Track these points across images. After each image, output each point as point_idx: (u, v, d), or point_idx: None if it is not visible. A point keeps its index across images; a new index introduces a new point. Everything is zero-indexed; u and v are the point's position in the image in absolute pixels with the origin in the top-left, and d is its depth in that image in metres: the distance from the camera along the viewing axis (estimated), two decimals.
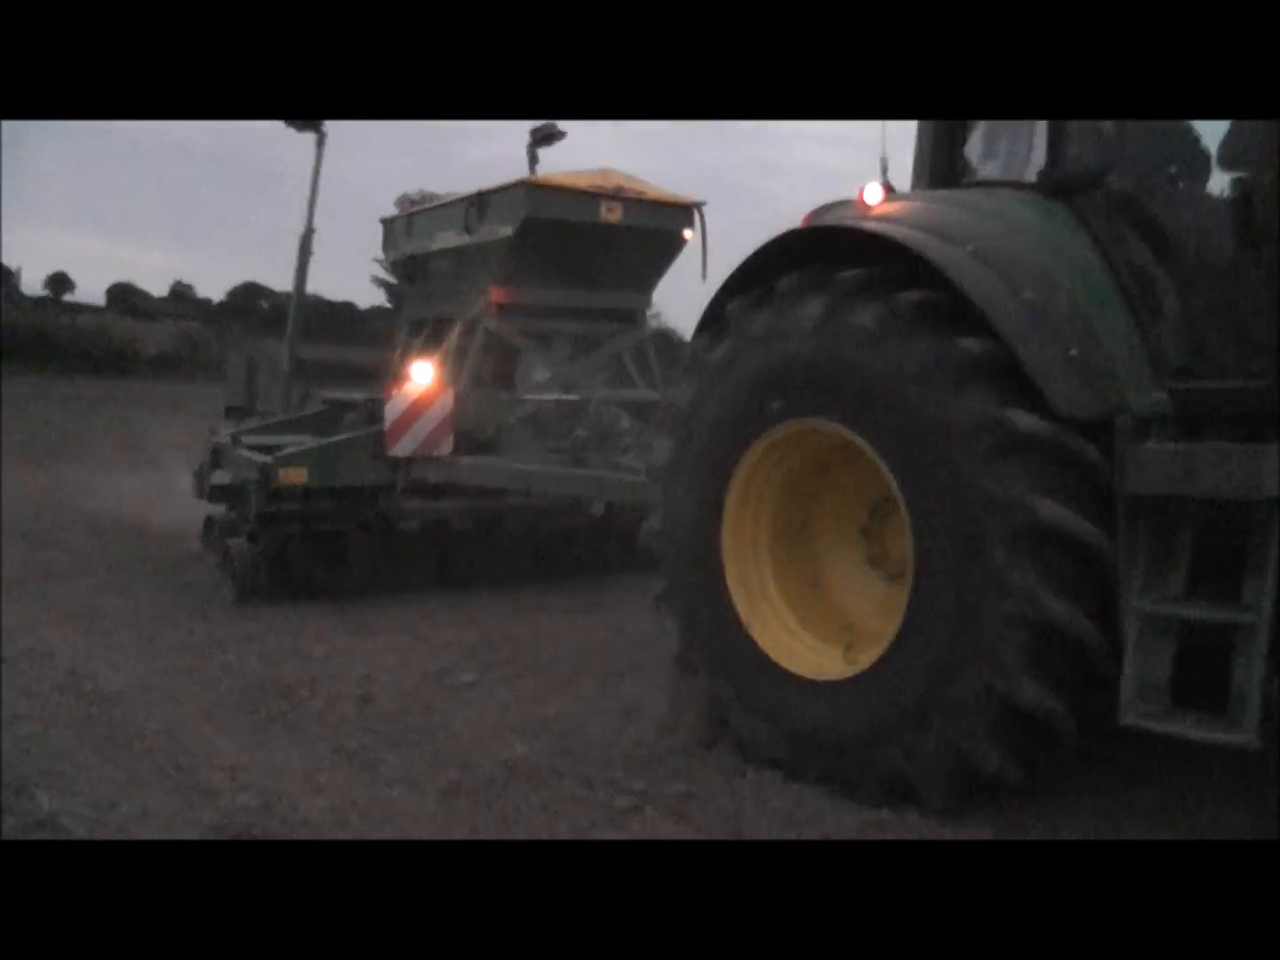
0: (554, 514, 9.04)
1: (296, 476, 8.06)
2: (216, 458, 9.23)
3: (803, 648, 5.28)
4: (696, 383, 5.50)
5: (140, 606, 8.18)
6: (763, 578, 5.46)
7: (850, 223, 5.05)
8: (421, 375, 8.44)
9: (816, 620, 5.41)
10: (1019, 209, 4.98)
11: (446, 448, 8.51)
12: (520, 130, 9.61)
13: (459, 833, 4.31)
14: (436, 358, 9.03)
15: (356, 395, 9.88)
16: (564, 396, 9.42)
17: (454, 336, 9.44)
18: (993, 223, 4.91)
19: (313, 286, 11.88)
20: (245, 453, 8.73)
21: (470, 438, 8.77)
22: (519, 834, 4.30)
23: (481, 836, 4.28)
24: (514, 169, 10.71)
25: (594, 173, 8.93)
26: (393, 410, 8.31)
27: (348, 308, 43.04)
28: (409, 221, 10.40)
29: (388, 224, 10.95)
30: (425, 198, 11.11)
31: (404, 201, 11.29)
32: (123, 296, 55.20)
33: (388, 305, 34.62)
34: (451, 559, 8.91)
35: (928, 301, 4.59)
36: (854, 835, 4.34)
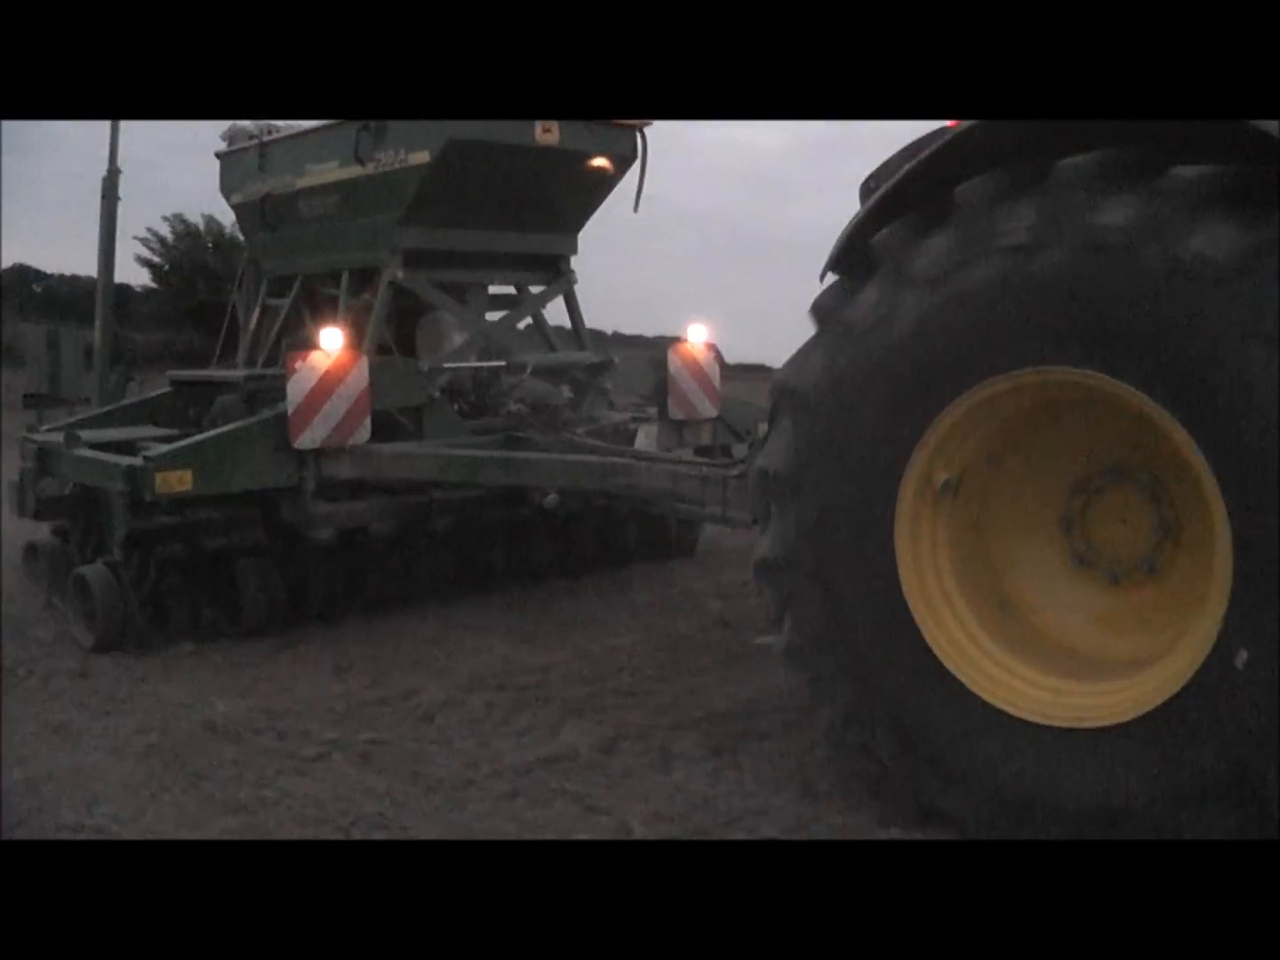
0: (489, 505, 7.34)
1: (180, 482, 6.06)
2: (44, 462, 7.07)
3: (1023, 684, 3.92)
4: (831, 350, 4.02)
5: None
6: (952, 602, 4.05)
7: None
8: (330, 342, 6.54)
9: (1029, 648, 4.05)
10: None
11: (364, 433, 6.67)
12: None
13: (149, 790, 4.55)
14: (337, 322, 7.13)
15: (224, 372, 7.86)
16: (488, 364, 7.68)
17: (347, 294, 7.53)
18: None
19: (82, 267, 9.66)
20: (91, 454, 6.64)
21: (384, 419, 6.95)
22: (207, 788, 4.55)
23: (171, 792, 4.52)
24: None
25: None
26: (298, 389, 6.38)
27: (123, 289, 38.90)
28: (262, 153, 8.33)
29: (227, 158, 8.83)
30: (264, 130, 9.06)
31: (237, 134, 9.17)
32: None
33: (154, 285, 31.57)
34: (367, 574, 7.09)
35: (1218, 176, 3.27)
36: (522, 767, 4.67)
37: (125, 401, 8.28)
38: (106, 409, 8.17)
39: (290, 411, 6.37)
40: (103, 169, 8.98)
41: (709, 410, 8.21)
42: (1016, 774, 3.67)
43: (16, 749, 4.99)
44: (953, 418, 3.80)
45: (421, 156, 6.91)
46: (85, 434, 7.02)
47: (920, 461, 3.87)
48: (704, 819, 4.19)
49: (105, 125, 8.90)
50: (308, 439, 6.43)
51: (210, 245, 31.30)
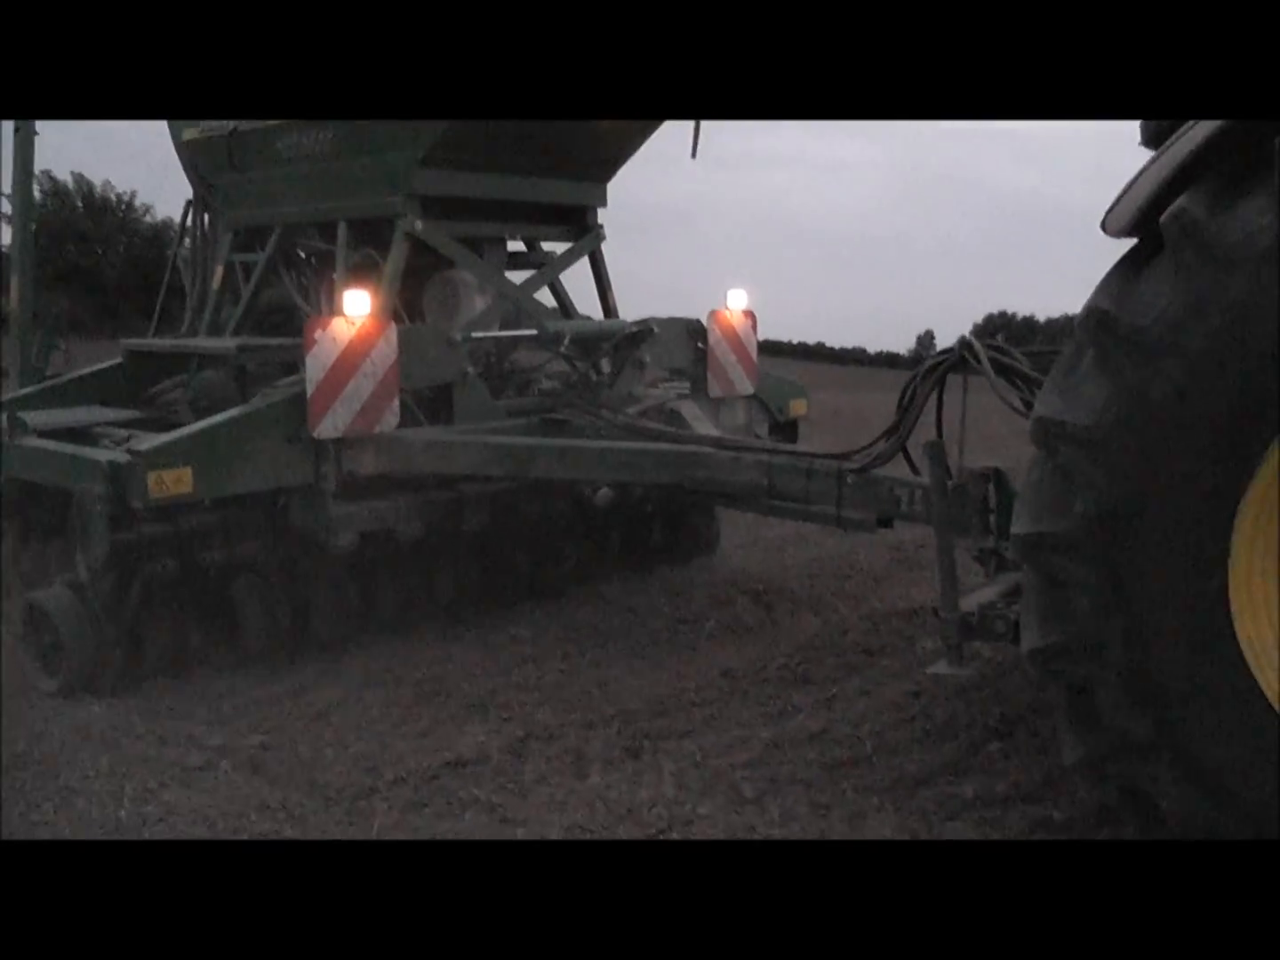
0: (524, 500, 6.19)
1: (177, 483, 4.79)
2: None
3: None
4: (1115, 370, 3.03)
5: None
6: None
7: None
8: (355, 307, 5.29)
9: None
10: None
11: (392, 419, 5.46)
12: None
13: (19, 806, 4.12)
14: (353, 283, 5.86)
15: (201, 341, 6.51)
16: (519, 333, 6.50)
17: (345, 249, 6.25)
18: None
19: None
20: (53, 445, 5.29)
21: (412, 400, 5.75)
22: (80, 803, 4.14)
23: (40, 807, 4.11)
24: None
25: None
26: (317, 364, 5.14)
27: None
28: None
29: None
30: None
31: None
32: None
33: None
34: (385, 587, 5.89)
35: None
36: (427, 773, 4.32)
37: (67, 375, 6.85)
38: (42, 386, 6.75)
39: (310, 392, 5.13)
40: None
41: (746, 387, 7.21)
42: None
43: None
44: None
45: None
46: (35, 418, 5.65)
47: (1255, 494, 2.96)
48: (629, 830, 3.85)
49: None
50: (329, 426, 5.20)
51: (80, 205, 29.07)
